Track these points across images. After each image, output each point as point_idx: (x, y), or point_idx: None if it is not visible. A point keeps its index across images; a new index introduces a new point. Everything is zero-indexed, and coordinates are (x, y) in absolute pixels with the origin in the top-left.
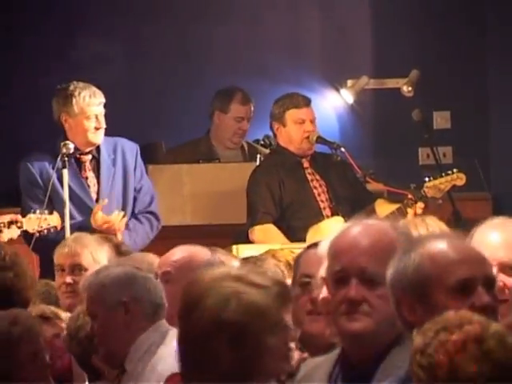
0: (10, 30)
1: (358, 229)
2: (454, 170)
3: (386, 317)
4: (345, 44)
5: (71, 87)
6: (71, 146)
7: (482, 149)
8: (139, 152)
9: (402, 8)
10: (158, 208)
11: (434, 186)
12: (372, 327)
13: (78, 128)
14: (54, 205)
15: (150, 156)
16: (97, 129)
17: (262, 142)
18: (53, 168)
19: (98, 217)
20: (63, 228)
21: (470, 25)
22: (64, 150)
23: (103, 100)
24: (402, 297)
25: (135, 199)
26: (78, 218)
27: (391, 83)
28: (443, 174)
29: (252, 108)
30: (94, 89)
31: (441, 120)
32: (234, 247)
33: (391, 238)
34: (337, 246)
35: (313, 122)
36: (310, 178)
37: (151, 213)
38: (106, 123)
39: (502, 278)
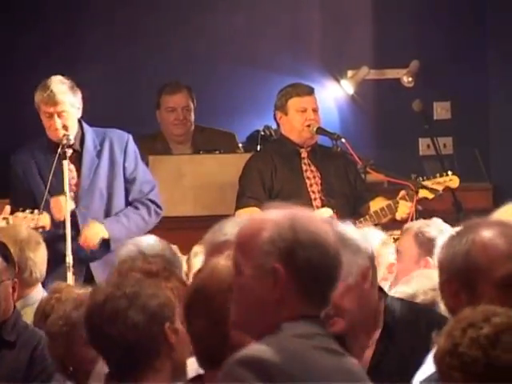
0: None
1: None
2: (449, 173)
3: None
4: (345, 34)
5: (43, 81)
6: (71, 137)
7: (482, 139)
8: (131, 141)
9: None
10: (160, 197)
11: (426, 186)
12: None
13: (43, 122)
14: (36, 197)
15: None
16: (54, 128)
17: (263, 133)
18: (43, 161)
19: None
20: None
21: (470, 15)
22: (64, 141)
23: (65, 99)
24: (447, 281)
25: (127, 190)
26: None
27: (391, 74)
28: (437, 175)
29: (187, 96)
30: (58, 88)
31: (441, 110)
32: None
33: None
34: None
35: (315, 111)
36: (304, 168)
37: (149, 200)
38: (101, 113)
39: None
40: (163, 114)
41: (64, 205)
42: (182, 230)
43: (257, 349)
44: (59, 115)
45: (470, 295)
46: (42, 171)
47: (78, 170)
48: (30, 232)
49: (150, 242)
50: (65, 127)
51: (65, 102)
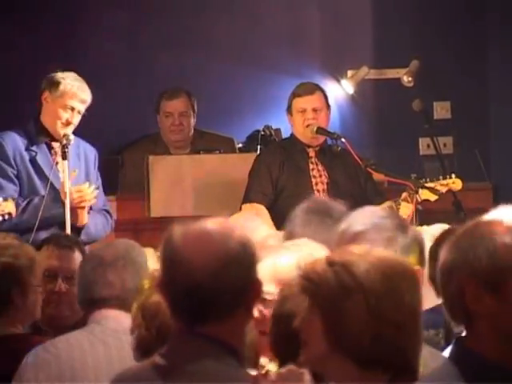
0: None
1: None
2: (453, 175)
3: None
4: (345, 34)
5: (66, 73)
6: (71, 137)
7: (482, 139)
8: (97, 156)
9: None
10: (158, 198)
11: (430, 190)
12: None
13: (52, 112)
14: (25, 188)
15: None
16: (68, 122)
17: (263, 133)
18: (26, 150)
19: (68, 186)
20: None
21: (471, 15)
22: (64, 141)
23: (88, 100)
24: (467, 284)
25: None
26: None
27: (391, 73)
28: (440, 178)
29: (185, 102)
30: (85, 86)
31: (441, 110)
32: None
33: None
34: None
35: (316, 110)
36: (311, 166)
37: (106, 211)
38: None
39: None
40: (162, 119)
41: (89, 193)
42: None
43: None
44: (78, 113)
45: (496, 297)
46: (35, 163)
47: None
48: None
49: None
50: (73, 125)
51: (87, 104)
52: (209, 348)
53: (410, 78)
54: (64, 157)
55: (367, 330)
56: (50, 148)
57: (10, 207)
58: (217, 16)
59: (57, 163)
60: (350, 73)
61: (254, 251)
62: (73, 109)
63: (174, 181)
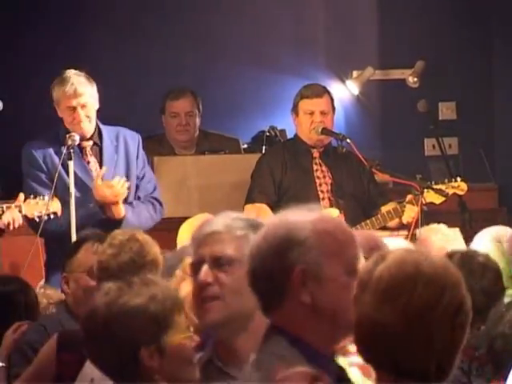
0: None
1: None
2: (458, 179)
3: None
4: (350, 35)
5: (59, 77)
6: (77, 137)
7: (487, 139)
8: (141, 142)
9: None
10: (163, 199)
11: (435, 191)
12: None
13: (63, 117)
14: (58, 190)
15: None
16: (78, 121)
17: (268, 134)
18: (56, 153)
19: (100, 183)
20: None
21: (475, 16)
22: (69, 142)
23: (84, 90)
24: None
25: (137, 186)
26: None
27: (397, 74)
28: (446, 181)
29: (191, 101)
30: (76, 79)
31: (446, 111)
32: None
33: None
34: None
35: (324, 113)
36: (315, 167)
37: (154, 198)
38: (108, 111)
39: None
40: (167, 119)
41: (120, 187)
42: None
43: None
44: (82, 107)
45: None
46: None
47: (100, 163)
48: None
49: None
50: (88, 118)
51: (86, 93)
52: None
53: (415, 79)
54: (69, 157)
55: None
56: (81, 148)
57: (55, 206)
58: (223, 16)
59: (88, 162)
60: (355, 73)
61: None
62: (74, 108)
63: (179, 181)
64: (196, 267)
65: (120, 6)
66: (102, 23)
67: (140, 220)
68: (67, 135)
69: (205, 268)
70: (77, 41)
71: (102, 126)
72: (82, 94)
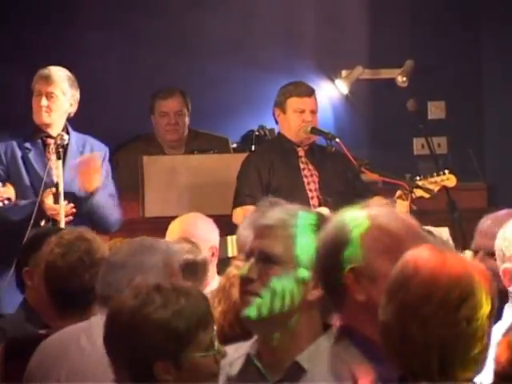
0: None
1: None
2: (446, 171)
3: None
4: (339, 34)
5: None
6: (66, 137)
7: (476, 139)
8: (108, 154)
9: None
10: (153, 198)
11: (423, 185)
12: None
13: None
14: (15, 182)
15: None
16: (39, 107)
17: (257, 133)
18: (18, 146)
19: (46, 205)
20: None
21: (465, 14)
22: (59, 141)
23: (53, 77)
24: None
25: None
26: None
27: (386, 73)
28: (434, 174)
29: (180, 101)
30: (54, 68)
31: (435, 110)
32: (229, 238)
33: None
34: None
35: (313, 112)
36: (302, 166)
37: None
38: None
39: None
40: (157, 118)
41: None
42: None
43: None
44: (48, 96)
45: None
46: (28, 161)
47: (63, 164)
48: None
49: None
50: (50, 110)
51: (58, 85)
52: None
53: (404, 78)
54: (58, 156)
55: None
56: (45, 145)
57: (9, 192)
58: (211, 16)
59: (48, 159)
60: (344, 73)
61: None
62: (40, 94)
63: (168, 181)
64: (247, 257)
65: (107, 6)
66: (89, 23)
67: (105, 210)
68: (57, 135)
69: (251, 262)
70: (62, 41)
71: (70, 130)
72: (53, 82)
